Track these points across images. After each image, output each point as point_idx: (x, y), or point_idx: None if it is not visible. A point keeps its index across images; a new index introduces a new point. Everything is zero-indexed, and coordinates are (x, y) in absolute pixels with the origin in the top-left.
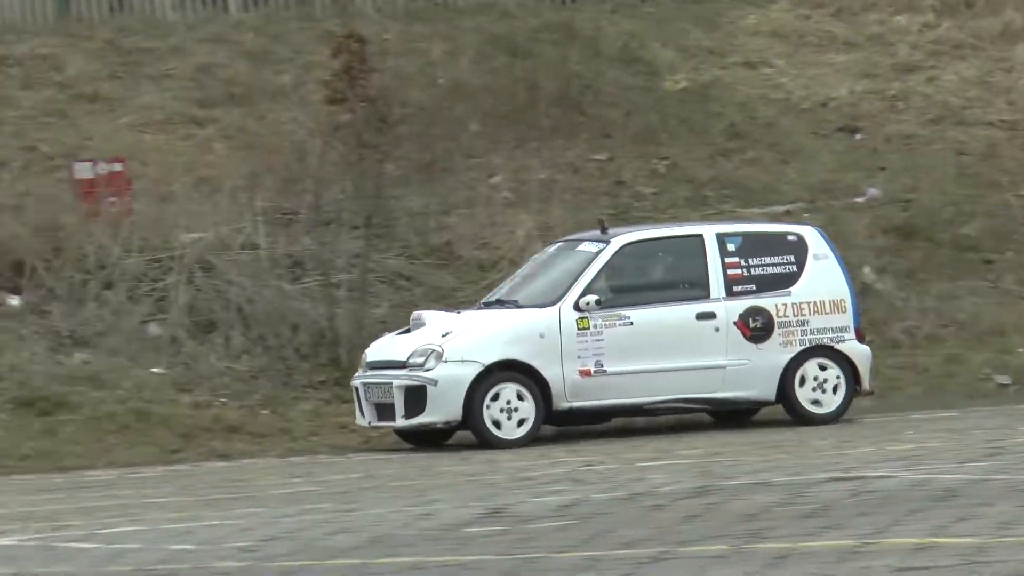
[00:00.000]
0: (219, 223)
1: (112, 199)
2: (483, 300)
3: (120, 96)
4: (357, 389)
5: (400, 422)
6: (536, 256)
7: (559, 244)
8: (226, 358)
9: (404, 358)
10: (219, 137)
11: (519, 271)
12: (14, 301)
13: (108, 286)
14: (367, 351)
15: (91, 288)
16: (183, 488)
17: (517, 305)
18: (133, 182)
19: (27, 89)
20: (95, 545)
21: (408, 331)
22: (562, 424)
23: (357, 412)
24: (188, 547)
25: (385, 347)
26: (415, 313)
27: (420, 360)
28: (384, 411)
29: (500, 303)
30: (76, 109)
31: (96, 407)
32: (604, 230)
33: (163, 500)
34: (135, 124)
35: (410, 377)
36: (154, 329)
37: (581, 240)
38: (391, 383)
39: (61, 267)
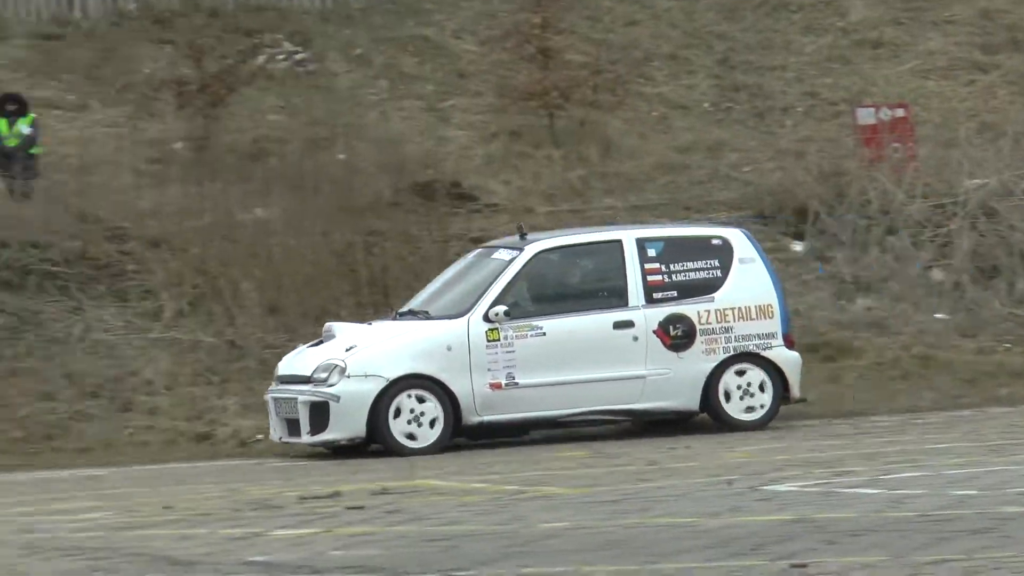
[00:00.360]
0: (1002, 169)
1: (895, 145)
2: (398, 310)
3: (903, 42)
4: (267, 403)
5: (306, 439)
6: (456, 263)
7: (478, 251)
8: (1009, 303)
9: (309, 373)
10: (1002, 83)
11: (438, 278)
12: (797, 247)
13: (890, 232)
14: (279, 364)
15: (874, 234)
16: (966, 434)
17: (428, 316)
18: (916, 128)
19: (809, 34)
20: (877, 491)
21: (320, 343)
22: (476, 438)
23: (270, 427)
24: (971, 492)
25: (294, 361)
26: (327, 324)
27: (323, 375)
28: (293, 427)
29: (412, 313)
30: (859, 55)
31: (880, 353)
32: (523, 236)
33: (946, 446)
34: (918, 70)
35: (314, 393)
36: (937, 274)
37: (497, 247)
38: (296, 399)
39: (843, 212)
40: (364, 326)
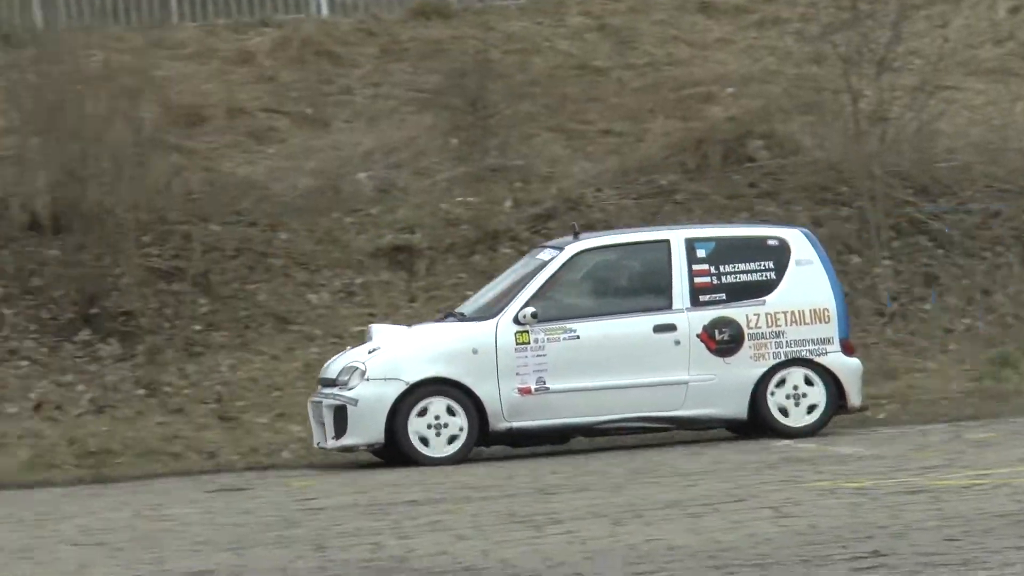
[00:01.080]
0: None
1: None
2: (448, 312)
3: None
4: (309, 408)
5: (331, 443)
6: (517, 263)
7: (535, 249)
8: None
9: (335, 376)
10: None
11: (496, 279)
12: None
13: None
14: (323, 368)
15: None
16: None
17: (463, 318)
18: None
19: None
20: None
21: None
22: (508, 444)
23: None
24: None
25: (334, 363)
26: (369, 325)
27: (346, 378)
28: (325, 431)
29: (453, 316)
30: None
31: None
32: (576, 235)
33: None
34: None
35: (336, 396)
36: None
37: (545, 247)
38: (322, 402)
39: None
40: (401, 328)
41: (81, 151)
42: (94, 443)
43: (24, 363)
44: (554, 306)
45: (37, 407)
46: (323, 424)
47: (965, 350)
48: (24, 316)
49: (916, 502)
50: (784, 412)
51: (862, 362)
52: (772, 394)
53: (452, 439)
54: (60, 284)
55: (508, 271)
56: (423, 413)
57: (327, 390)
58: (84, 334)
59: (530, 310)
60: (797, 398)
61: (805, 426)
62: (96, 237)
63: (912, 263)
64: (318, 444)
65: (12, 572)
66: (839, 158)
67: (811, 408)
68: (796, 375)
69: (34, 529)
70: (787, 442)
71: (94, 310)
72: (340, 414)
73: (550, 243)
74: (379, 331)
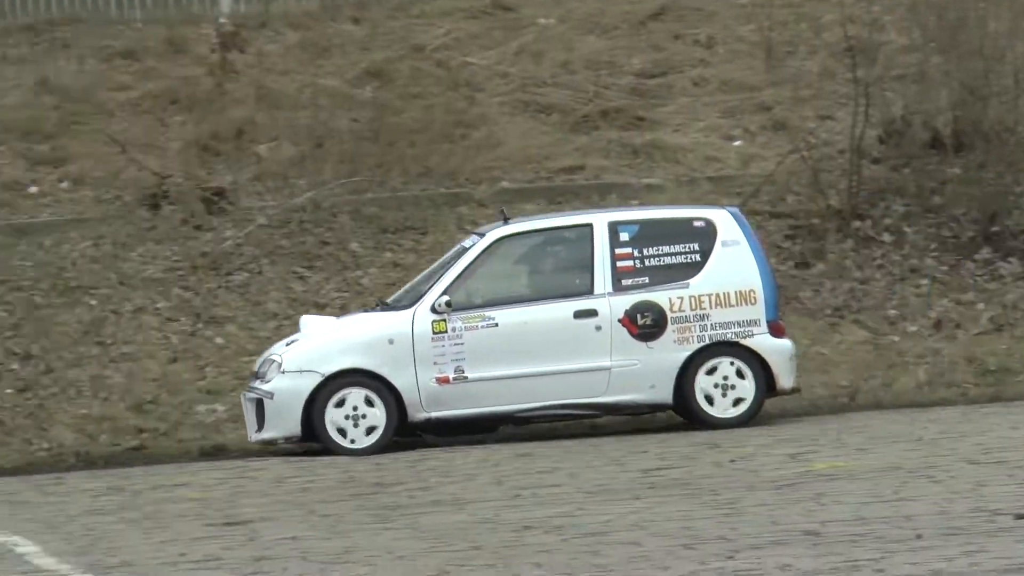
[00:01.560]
0: None
1: None
2: (384, 301)
3: None
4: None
5: (252, 436)
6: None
7: (466, 237)
8: None
9: (257, 368)
10: None
11: (429, 268)
12: None
13: None
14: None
15: None
16: None
17: (386, 307)
18: None
19: None
20: None
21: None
22: (433, 434)
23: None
24: None
25: (263, 355)
26: (301, 317)
27: (264, 371)
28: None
29: (384, 305)
30: None
31: None
32: (506, 221)
33: None
34: None
35: (254, 390)
36: None
37: (472, 234)
38: (243, 395)
39: None
40: (329, 319)
41: (983, 68)
42: (993, 362)
43: (924, 281)
44: (473, 294)
45: (937, 325)
46: (249, 418)
47: None
48: (924, 235)
49: None
50: (710, 400)
51: (794, 344)
52: (698, 379)
53: (371, 430)
54: (960, 202)
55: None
56: (340, 404)
57: (253, 383)
58: (984, 252)
59: (445, 298)
60: (725, 387)
61: (734, 416)
62: (996, 155)
63: None
64: (250, 438)
65: (912, 489)
66: None
67: (737, 400)
68: (724, 364)
69: (932, 447)
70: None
71: (994, 228)
72: (259, 407)
73: (477, 230)
74: (307, 322)
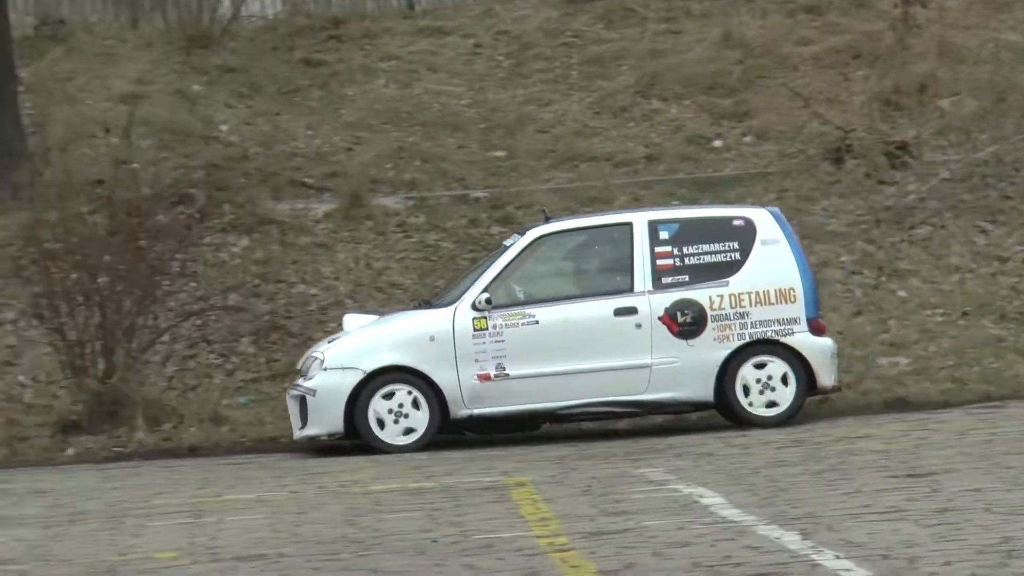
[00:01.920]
0: None
1: None
2: (421, 300)
3: None
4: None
5: (297, 434)
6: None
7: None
8: None
9: (299, 366)
10: None
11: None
12: None
13: None
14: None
15: None
16: None
17: (430, 306)
18: None
19: None
20: None
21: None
22: (472, 431)
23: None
24: None
25: (306, 353)
26: (344, 316)
27: (306, 368)
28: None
29: (426, 304)
30: None
31: None
32: (547, 220)
33: None
34: None
35: (297, 387)
36: None
37: (514, 233)
38: (288, 394)
39: None
40: (372, 317)
41: None
42: None
43: None
44: (513, 291)
45: None
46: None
47: None
48: None
49: None
50: (752, 396)
51: (834, 342)
52: (740, 377)
53: (409, 431)
54: None
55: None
56: (386, 399)
57: (298, 380)
58: None
59: (485, 296)
60: (765, 386)
61: (774, 415)
62: None
63: None
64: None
65: None
66: None
67: (782, 395)
68: (765, 362)
69: None
70: None
71: None
72: (302, 404)
73: (521, 229)
74: (350, 321)
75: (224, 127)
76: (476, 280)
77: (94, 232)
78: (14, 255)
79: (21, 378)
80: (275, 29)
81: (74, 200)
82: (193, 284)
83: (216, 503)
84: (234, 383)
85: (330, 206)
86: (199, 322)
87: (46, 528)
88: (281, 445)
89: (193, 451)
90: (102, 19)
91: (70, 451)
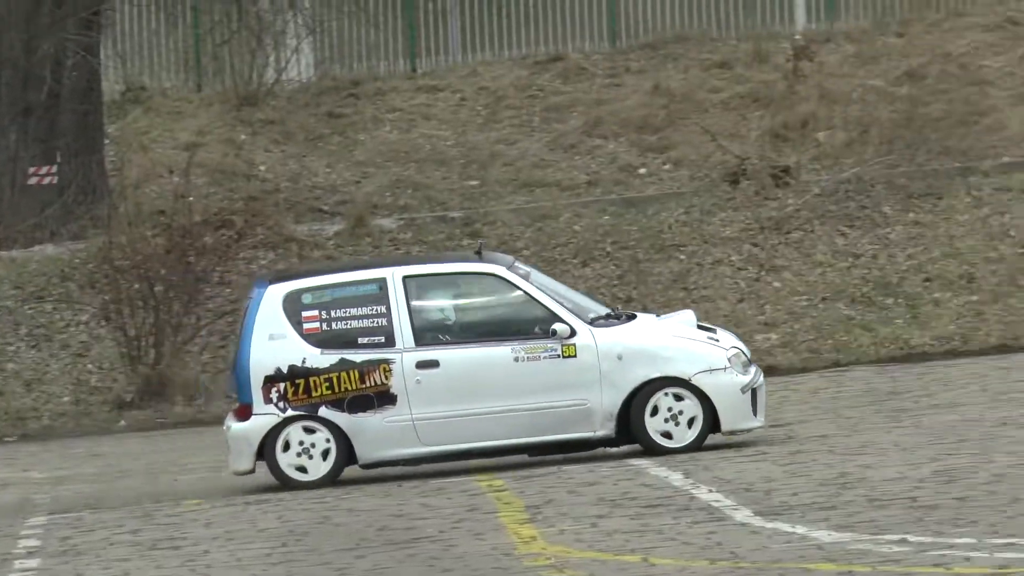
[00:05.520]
0: None
1: None
2: None
3: None
4: None
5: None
6: None
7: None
8: None
9: None
10: None
11: None
12: None
13: None
14: None
15: None
16: None
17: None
18: None
19: None
20: None
21: None
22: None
23: None
24: None
25: None
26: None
27: None
28: None
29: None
30: None
31: None
32: (479, 253)
33: None
34: None
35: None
36: None
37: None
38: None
39: None
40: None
41: None
42: None
43: None
44: None
45: None
46: None
47: None
48: None
49: None
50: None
51: None
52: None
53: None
54: None
55: None
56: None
57: None
58: None
59: None
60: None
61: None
62: None
63: None
64: None
65: None
66: None
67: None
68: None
69: None
70: None
71: None
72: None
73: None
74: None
75: (262, 167)
76: None
77: (154, 251)
78: (91, 271)
79: (89, 366)
80: (307, 90)
81: (141, 227)
82: (228, 290)
83: None
84: None
85: (339, 227)
86: (231, 320)
87: (99, 483)
88: None
89: (220, 422)
90: (174, 84)
91: (122, 423)
